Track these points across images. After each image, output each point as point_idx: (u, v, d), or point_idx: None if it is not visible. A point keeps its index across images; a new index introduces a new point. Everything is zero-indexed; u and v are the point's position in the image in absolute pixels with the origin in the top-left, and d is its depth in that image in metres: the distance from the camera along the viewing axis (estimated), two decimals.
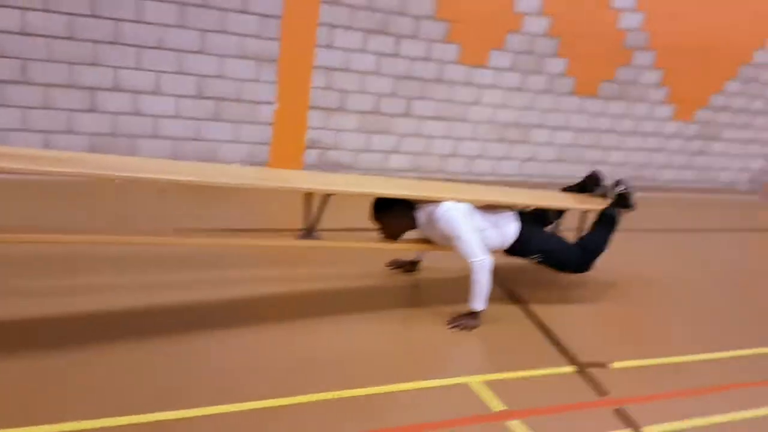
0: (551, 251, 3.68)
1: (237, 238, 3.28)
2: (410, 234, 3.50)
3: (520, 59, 6.01)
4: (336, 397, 2.58)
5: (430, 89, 5.77)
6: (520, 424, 2.56)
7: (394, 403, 2.64)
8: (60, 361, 2.55)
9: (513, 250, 3.59)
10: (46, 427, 2.17)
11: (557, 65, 6.19)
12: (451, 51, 5.71)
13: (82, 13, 4.45)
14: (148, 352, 2.72)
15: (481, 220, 3.43)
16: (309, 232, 3.19)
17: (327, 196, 3.16)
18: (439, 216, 3.29)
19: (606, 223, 3.84)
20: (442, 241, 3.43)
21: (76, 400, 2.33)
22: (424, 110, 5.82)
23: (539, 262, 3.68)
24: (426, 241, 3.55)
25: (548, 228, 3.95)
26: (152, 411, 2.32)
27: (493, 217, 3.52)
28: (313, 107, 5.40)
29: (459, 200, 3.38)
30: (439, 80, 5.77)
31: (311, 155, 5.54)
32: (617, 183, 3.98)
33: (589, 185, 4.13)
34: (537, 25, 5.95)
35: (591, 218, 3.94)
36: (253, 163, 5.32)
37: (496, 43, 5.87)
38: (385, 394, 2.67)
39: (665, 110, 6.92)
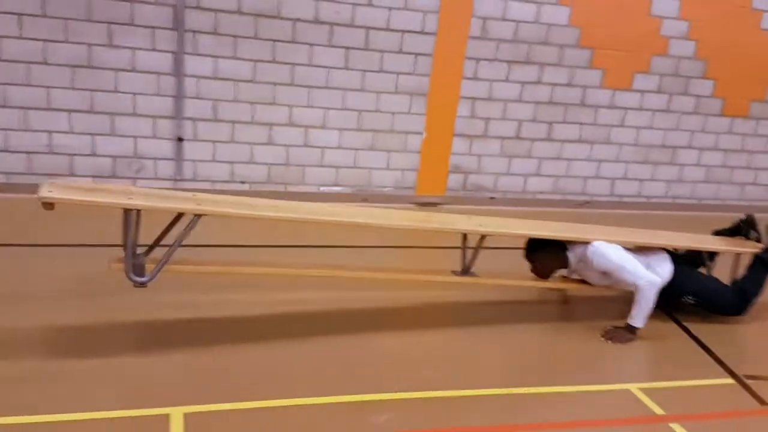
0: (706, 293, 3.76)
1: (407, 274, 3.65)
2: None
3: (666, 81, 6.06)
4: (505, 393, 2.87)
5: (572, 113, 5.96)
6: (682, 427, 2.72)
7: (561, 401, 2.89)
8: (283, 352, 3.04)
9: (666, 291, 3.63)
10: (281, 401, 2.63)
11: (705, 86, 6.17)
12: (594, 76, 5.89)
13: (264, 59, 5.11)
14: (342, 346, 3.16)
15: (634, 259, 3.57)
16: (466, 270, 3.53)
17: (482, 237, 3.47)
18: (591, 253, 3.47)
19: (761, 266, 3.88)
20: (599, 280, 3.61)
21: (300, 381, 2.79)
22: (567, 134, 6.02)
23: (693, 304, 3.77)
24: (581, 281, 3.77)
25: (701, 270, 4.01)
26: (345, 393, 2.73)
27: (645, 258, 3.64)
28: (457, 134, 5.77)
29: (609, 241, 3.56)
30: (582, 104, 5.95)
31: (454, 179, 5.90)
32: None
33: (743, 228, 4.15)
34: (684, 47, 5.99)
35: (745, 261, 3.99)
36: (401, 188, 5.75)
37: (642, 66, 5.97)
38: (551, 393, 2.93)
39: None
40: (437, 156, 5.73)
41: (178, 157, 5.17)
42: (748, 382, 3.15)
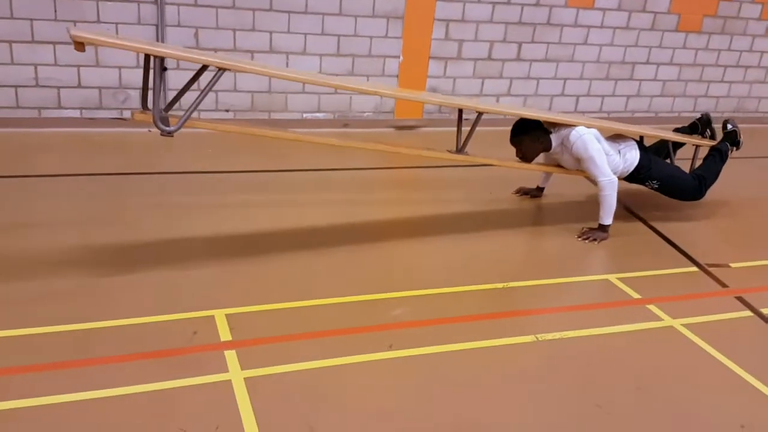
0: (669, 178, 4.17)
1: (405, 148, 3.87)
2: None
3: None
4: (500, 287, 3.25)
5: (540, 33, 6.21)
6: (657, 308, 3.16)
7: (550, 291, 3.30)
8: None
9: (633, 176, 4.10)
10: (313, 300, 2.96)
11: (662, 3, 6.47)
12: None
13: None
14: (360, 254, 3.49)
15: (607, 146, 3.96)
16: (460, 149, 3.78)
17: (479, 116, 3.72)
18: (574, 139, 3.82)
19: (717, 156, 4.33)
20: (571, 164, 3.97)
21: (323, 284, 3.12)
22: (535, 54, 6.28)
23: (656, 188, 4.19)
24: (554, 165, 4.13)
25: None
26: (365, 293, 3.07)
27: (617, 145, 4.04)
28: (433, 57, 5.97)
29: (590, 126, 3.93)
30: (548, 23, 6.19)
31: None
32: (726, 122, 4.45)
33: (700, 127, 4.57)
34: None
35: (702, 154, 4.44)
36: (381, 112, 5.97)
37: None
38: (541, 285, 3.33)
39: (766, 42, 7.08)
40: (414, 79, 5.93)
41: (164, 87, 5.23)
42: (710, 269, 3.61)
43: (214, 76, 2.93)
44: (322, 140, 3.59)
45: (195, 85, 3.09)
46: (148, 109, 3.01)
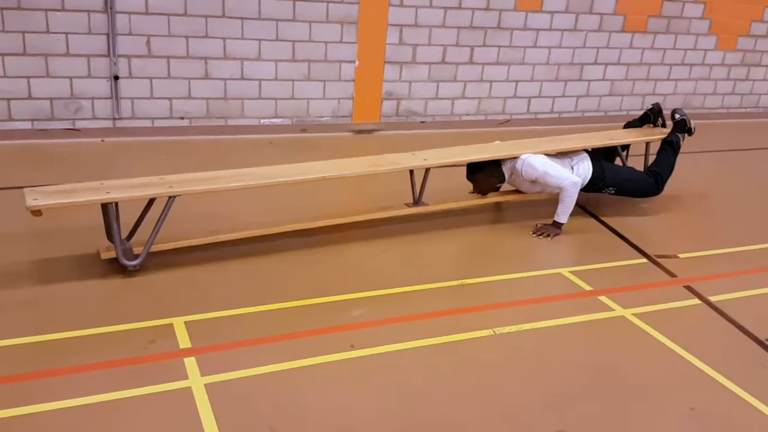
0: (624, 182, 4.27)
1: (359, 215, 3.97)
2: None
3: (572, 1, 6.49)
4: (456, 284, 3.32)
5: (491, 36, 6.32)
6: (608, 299, 3.26)
7: (505, 286, 3.38)
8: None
9: (589, 187, 4.17)
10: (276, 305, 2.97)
11: (607, 4, 6.66)
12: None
13: None
14: (318, 257, 3.52)
15: (559, 164, 4.05)
16: (417, 202, 3.98)
17: (427, 171, 3.90)
18: (520, 166, 3.95)
19: (669, 149, 4.45)
20: (530, 188, 4.08)
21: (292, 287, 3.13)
22: (487, 57, 6.40)
23: (614, 194, 4.30)
24: (516, 191, 4.23)
25: (617, 161, 4.55)
26: (324, 296, 3.10)
27: (568, 160, 4.14)
28: (388, 62, 6.03)
29: (534, 153, 4.01)
30: (498, 27, 6.32)
31: (387, 106, 6.19)
32: (674, 111, 4.59)
33: (651, 117, 4.71)
34: None
35: (655, 147, 4.56)
36: (338, 116, 6.00)
37: None
38: (496, 281, 3.41)
39: (709, 40, 7.34)
40: (370, 84, 5.98)
41: (116, 96, 5.19)
42: (659, 260, 3.74)
43: (165, 206, 3.20)
44: (280, 230, 3.63)
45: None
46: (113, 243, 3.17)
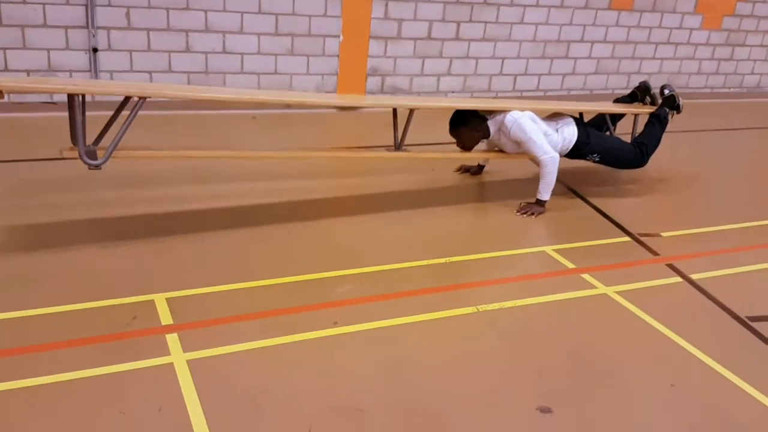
0: (609, 150, 4.27)
1: (340, 152, 3.92)
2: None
3: None
4: (442, 262, 3.31)
5: (477, 12, 6.27)
6: (591, 277, 3.27)
7: (490, 264, 3.37)
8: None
9: (574, 152, 4.18)
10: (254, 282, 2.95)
11: None
12: None
13: None
14: (303, 234, 3.48)
15: (544, 125, 4.04)
16: (398, 146, 3.84)
17: (411, 112, 3.78)
18: (510, 123, 3.89)
19: (656, 123, 4.45)
20: (512, 148, 4.04)
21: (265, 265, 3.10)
22: (473, 33, 6.34)
23: (598, 161, 4.29)
24: (496, 150, 4.20)
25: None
26: (308, 273, 3.08)
27: (554, 123, 4.13)
28: (373, 37, 5.96)
29: (523, 109, 4.00)
30: (485, 3, 6.26)
31: (372, 82, 6.14)
32: (663, 87, 4.59)
33: (639, 95, 4.70)
34: None
35: (642, 122, 4.56)
36: (322, 92, 5.93)
37: None
38: (481, 259, 3.40)
39: (695, 19, 7.34)
40: (355, 59, 5.92)
41: (95, 69, 5.08)
42: (642, 238, 3.76)
43: (134, 107, 3.00)
44: (260, 155, 3.57)
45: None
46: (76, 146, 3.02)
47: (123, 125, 3.01)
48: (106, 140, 3.11)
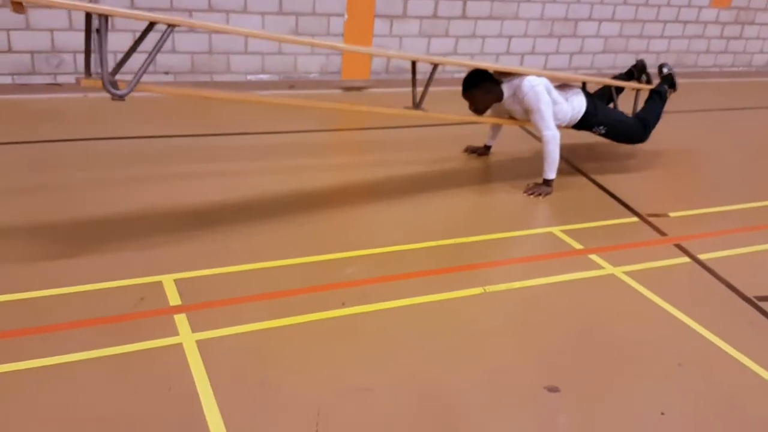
0: (615, 122, 4.28)
1: (356, 105, 3.83)
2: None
3: None
4: (449, 243, 3.31)
5: None
6: (599, 257, 3.26)
7: (498, 245, 3.36)
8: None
9: (581, 122, 4.18)
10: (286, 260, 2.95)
11: None
12: None
13: None
14: (310, 216, 3.48)
15: (556, 94, 4.02)
16: (417, 105, 3.77)
17: (434, 68, 3.72)
18: (527, 89, 3.86)
19: (657, 99, 4.48)
20: (521, 115, 4.04)
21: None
22: (479, 11, 6.28)
23: (603, 134, 4.29)
24: (503, 116, 4.18)
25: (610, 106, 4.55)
26: (316, 254, 3.08)
27: (564, 93, 4.12)
28: (378, 16, 5.90)
29: (539, 75, 3.98)
30: None
31: (377, 62, 6.09)
32: (662, 66, 4.61)
33: (636, 73, 4.69)
34: None
35: (642, 98, 4.56)
36: (327, 73, 5.90)
37: None
38: (488, 240, 3.39)
39: None
40: (360, 39, 5.87)
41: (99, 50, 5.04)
42: (650, 219, 3.74)
43: (161, 37, 2.83)
44: (281, 101, 3.54)
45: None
46: (92, 74, 2.87)
47: (147, 57, 2.83)
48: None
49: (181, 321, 2.49)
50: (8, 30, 4.76)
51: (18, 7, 2.59)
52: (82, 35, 4.47)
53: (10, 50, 4.83)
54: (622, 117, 4.36)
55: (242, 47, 5.49)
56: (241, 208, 3.50)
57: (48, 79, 5.01)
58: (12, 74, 4.89)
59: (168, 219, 3.31)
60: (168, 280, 2.75)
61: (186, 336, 2.41)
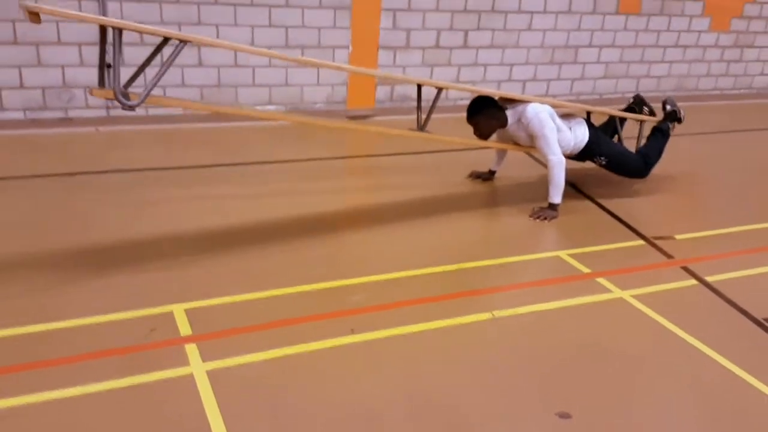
0: (616, 155, 4.32)
1: (361, 125, 3.88)
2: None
3: None
4: (456, 268, 3.32)
5: (485, 20, 6.29)
6: (607, 281, 3.27)
7: (504, 270, 3.38)
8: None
9: (584, 152, 4.23)
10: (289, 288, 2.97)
11: None
12: None
13: None
14: (317, 243, 3.50)
15: (560, 122, 4.08)
16: (421, 127, 3.84)
17: (439, 92, 3.79)
18: (531, 115, 3.91)
19: (659, 135, 4.52)
20: (525, 141, 4.08)
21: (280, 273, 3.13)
22: (481, 40, 6.37)
23: (604, 165, 4.33)
24: (508, 142, 4.22)
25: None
26: (324, 281, 3.10)
27: (567, 122, 4.17)
28: (382, 47, 6.00)
29: (542, 102, 4.03)
30: (492, 10, 6.29)
31: (382, 91, 6.16)
32: (665, 102, 4.64)
33: (636, 109, 4.72)
34: None
35: (646, 129, 4.61)
36: (333, 102, 5.97)
37: None
38: (495, 265, 3.40)
39: (703, 22, 7.33)
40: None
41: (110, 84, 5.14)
42: (656, 241, 3.75)
43: (173, 51, 2.92)
44: (288, 118, 3.57)
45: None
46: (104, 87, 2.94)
47: (160, 69, 2.91)
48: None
49: (191, 351, 2.51)
50: (20, 66, 4.85)
51: (34, 17, 2.67)
52: (93, 71, 4.58)
53: (21, 86, 4.92)
54: (624, 151, 4.40)
55: (250, 80, 5.57)
56: (248, 236, 3.53)
57: (59, 114, 5.10)
58: (24, 109, 4.98)
59: (178, 247, 3.35)
60: (179, 310, 2.77)
61: (197, 366, 2.43)
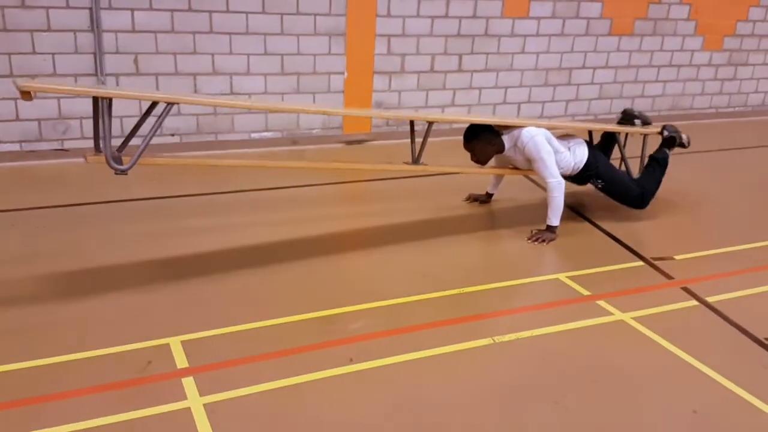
0: (615, 180, 4.29)
1: (358, 164, 3.92)
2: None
3: (559, 7, 6.53)
4: (455, 293, 3.30)
5: (479, 44, 6.34)
6: (607, 303, 3.25)
7: (504, 293, 3.36)
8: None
9: (582, 173, 4.20)
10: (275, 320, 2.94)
11: (594, 9, 6.70)
12: (495, 7, 6.25)
13: (181, 8, 5.13)
14: (314, 270, 3.48)
15: (558, 144, 4.06)
16: (416, 160, 3.84)
17: (429, 125, 3.79)
18: (526, 139, 3.90)
19: (658, 164, 4.46)
20: (523, 165, 4.07)
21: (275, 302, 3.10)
22: (475, 64, 6.41)
23: (601, 188, 4.31)
24: (506, 166, 4.22)
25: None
26: (321, 309, 3.07)
27: (566, 142, 4.16)
28: (377, 72, 6.03)
29: (538, 126, 4.03)
30: (486, 35, 6.34)
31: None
32: (663, 128, 4.56)
33: (628, 121, 4.68)
34: None
35: (649, 142, 4.55)
36: (329, 128, 5.99)
37: None
38: (494, 289, 3.38)
39: (696, 41, 7.39)
40: (360, 94, 5.98)
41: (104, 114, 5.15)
42: (656, 262, 3.73)
43: (162, 112, 3.05)
44: (277, 164, 3.63)
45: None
46: (100, 151, 3.06)
47: (149, 133, 3.02)
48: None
49: (188, 384, 2.48)
50: (15, 99, 4.86)
51: (26, 96, 2.79)
52: (88, 101, 4.63)
53: (17, 118, 4.93)
54: (623, 177, 4.34)
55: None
56: (244, 264, 3.50)
57: (55, 145, 5.11)
58: (20, 141, 4.99)
59: (174, 278, 3.32)
60: (175, 342, 2.74)
61: (194, 400, 2.40)
